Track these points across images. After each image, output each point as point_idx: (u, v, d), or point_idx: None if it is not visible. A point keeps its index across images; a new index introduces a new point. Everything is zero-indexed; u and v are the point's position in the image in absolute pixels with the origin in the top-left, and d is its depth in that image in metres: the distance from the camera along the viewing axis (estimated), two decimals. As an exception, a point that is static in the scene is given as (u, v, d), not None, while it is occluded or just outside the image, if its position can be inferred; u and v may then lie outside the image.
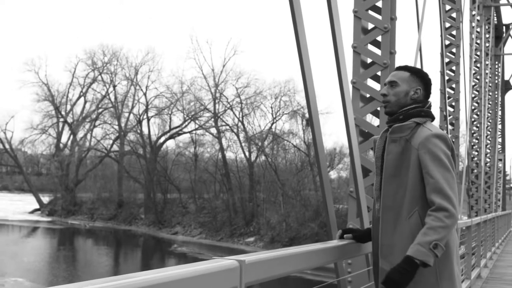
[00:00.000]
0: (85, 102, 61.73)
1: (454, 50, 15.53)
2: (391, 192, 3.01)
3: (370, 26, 6.17)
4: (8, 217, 57.01)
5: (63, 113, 62.06)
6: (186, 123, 54.32)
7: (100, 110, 60.47)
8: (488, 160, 24.34)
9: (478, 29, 22.13)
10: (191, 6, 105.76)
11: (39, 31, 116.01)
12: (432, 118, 3.08)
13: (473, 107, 21.11)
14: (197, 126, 53.64)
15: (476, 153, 21.40)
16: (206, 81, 51.93)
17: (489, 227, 13.69)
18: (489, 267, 12.43)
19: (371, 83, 6.11)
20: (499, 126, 30.04)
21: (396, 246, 2.90)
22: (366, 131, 6.04)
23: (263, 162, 47.45)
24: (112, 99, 59.16)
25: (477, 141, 21.25)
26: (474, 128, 21.14)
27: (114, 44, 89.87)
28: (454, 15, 15.59)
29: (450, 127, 14.17)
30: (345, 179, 44.68)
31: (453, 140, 15.16)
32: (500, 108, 30.06)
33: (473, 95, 21.01)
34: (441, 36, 13.04)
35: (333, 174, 46.46)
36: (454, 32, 15.59)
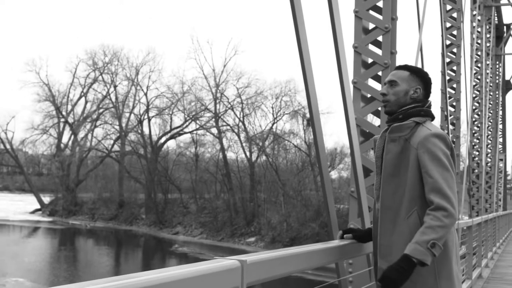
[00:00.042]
0: (86, 102, 61.85)
1: (455, 50, 15.52)
2: (390, 191, 3.00)
3: (371, 26, 6.17)
4: (9, 217, 57.03)
5: (64, 113, 62.11)
6: (187, 123, 54.39)
7: (101, 110, 60.53)
8: (489, 160, 24.33)
9: (479, 29, 22.12)
10: (191, 6, 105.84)
11: (40, 32, 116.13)
12: (432, 117, 3.07)
13: (474, 107, 21.11)
14: (198, 126, 53.70)
15: (477, 153, 21.40)
16: (207, 81, 52.00)
17: (490, 227, 13.68)
18: (490, 267, 12.42)
19: (372, 83, 6.11)
20: (500, 126, 30.05)
21: (395, 246, 2.89)
22: (367, 131, 6.04)
23: (264, 162, 47.45)
24: (113, 99, 59.24)
25: (478, 141, 21.25)
26: (475, 128, 21.13)
27: (115, 44, 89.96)
28: (455, 15, 15.59)
29: (451, 127, 14.17)
30: (346, 179, 44.66)
31: (454, 140, 15.16)
32: (501, 108, 30.06)
33: (474, 95, 21.01)
34: (442, 36, 13.04)
35: (334, 174, 46.47)
36: (455, 32, 15.59)
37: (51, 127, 62.43)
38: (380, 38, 6.08)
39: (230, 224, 43.89)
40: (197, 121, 53.52)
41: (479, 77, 21.24)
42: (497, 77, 27.87)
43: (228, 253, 36.63)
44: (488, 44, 23.81)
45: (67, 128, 62.16)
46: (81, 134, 61.72)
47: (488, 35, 24.16)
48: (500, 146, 29.87)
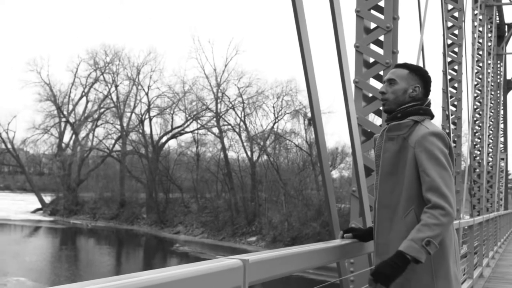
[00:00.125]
0: (87, 102, 61.84)
1: (456, 49, 15.51)
2: (388, 190, 3.00)
3: (373, 25, 6.17)
4: (10, 216, 57.05)
5: (65, 113, 62.13)
6: (188, 122, 54.37)
7: (102, 110, 60.53)
8: (490, 159, 24.33)
9: (480, 29, 22.12)
10: (193, 6, 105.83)
11: (41, 31, 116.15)
12: (431, 116, 3.06)
13: (475, 107, 21.11)
14: (199, 126, 53.67)
15: (479, 152, 21.38)
16: (208, 81, 51.98)
17: (491, 226, 13.68)
18: (491, 266, 12.42)
19: (373, 82, 6.11)
20: (501, 125, 30.04)
21: (392, 245, 2.87)
22: (369, 130, 6.04)
23: (265, 162, 47.45)
24: (114, 99, 59.23)
25: (479, 140, 21.24)
26: (476, 127, 21.12)
27: (116, 44, 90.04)
28: (456, 14, 15.58)
29: (452, 126, 14.16)
30: (347, 178, 44.65)
31: (455, 139, 15.16)
32: (502, 107, 30.05)
33: (475, 95, 21.00)
34: (443, 35, 13.04)
35: (335, 174, 46.46)
36: (456, 32, 15.58)
37: (52, 127, 62.50)
38: (381, 38, 6.08)
39: (231, 223, 43.89)
40: (198, 121, 53.54)
41: (480, 76, 21.23)
42: (498, 77, 27.85)
43: (229, 252, 36.64)
44: (489, 44, 23.79)
45: (68, 127, 62.22)
46: (82, 134, 61.80)
47: (489, 35, 24.14)
48: (502, 146, 29.87)
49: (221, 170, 49.94)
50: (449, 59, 15.11)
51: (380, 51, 6.08)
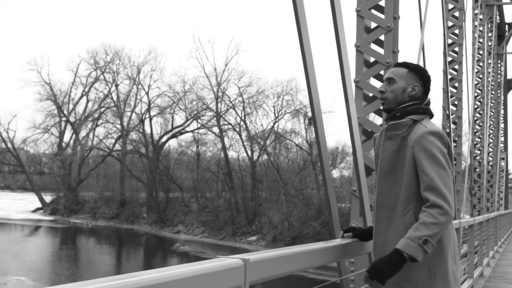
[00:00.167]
0: (88, 101, 61.86)
1: (456, 49, 15.50)
2: (386, 189, 2.99)
3: (373, 25, 6.16)
4: (11, 216, 57.08)
5: (65, 112, 62.14)
6: (189, 122, 54.37)
7: (102, 109, 60.52)
8: (490, 159, 24.32)
9: (481, 28, 22.12)
10: (193, 5, 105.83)
11: (41, 31, 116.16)
12: (431, 115, 3.05)
13: (475, 106, 21.10)
14: (199, 125, 53.66)
15: (479, 152, 21.38)
16: (209, 80, 51.98)
17: (491, 226, 13.68)
18: (492, 266, 12.42)
19: (374, 82, 6.11)
20: (502, 125, 30.05)
21: (390, 244, 2.86)
22: (369, 130, 6.04)
23: (265, 161, 47.46)
24: (115, 98, 59.23)
25: (479, 140, 21.23)
26: (477, 127, 21.12)
27: (116, 44, 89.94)
28: (456, 14, 15.57)
29: (453, 126, 14.16)
30: (347, 178, 44.66)
31: (456, 138, 15.17)
32: (502, 107, 30.05)
33: (475, 94, 20.99)
34: (444, 35, 13.04)
35: (335, 173, 46.46)
36: (456, 31, 15.57)
37: (52, 126, 62.51)
38: (382, 37, 6.07)
39: (231, 223, 43.90)
40: (199, 120, 53.53)
41: (480, 76, 21.22)
42: (498, 76, 27.84)
43: (229, 252, 36.65)
44: (490, 43, 23.78)
45: (69, 127, 62.24)
46: (82, 133, 61.80)
47: (490, 34, 24.12)
48: (502, 145, 29.88)
49: (222, 170, 49.95)
50: (449, 59, 15.10)
51: (380, 50, 6.08)
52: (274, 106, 49.55)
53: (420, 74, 3.10)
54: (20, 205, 65.92)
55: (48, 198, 64.13)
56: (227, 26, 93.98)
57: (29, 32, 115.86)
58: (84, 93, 61.80)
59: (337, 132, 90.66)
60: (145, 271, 1.66)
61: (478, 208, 21.12)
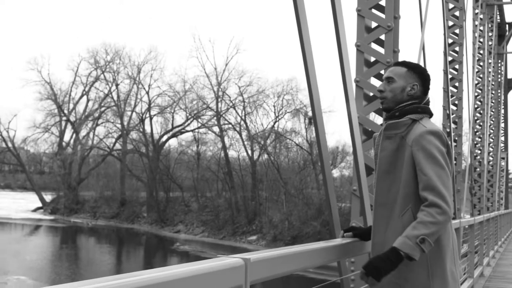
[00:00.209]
0: (88, 100, 61.90)
1: (457, 48, 15.49)
2: (385, 188, 2.99)
3: (374, 24, 6.16)
4: (11, 215, 57.10)
5: (65, 111, 62.16)
6: (189, 121, 54.38)
7: (102, 109, 60.55)
8: (491, 158, 24.31)
9: (481, 28, 22.11)
10: (193, 5, 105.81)
11: (41, 30, 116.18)
12: (430, 114, 3.04)
13: (476, 106, 21.09)
14: (199, 125, 53.67)
15: (479, 151, 21.37)
16: (209, 80, 51.99)
17: (491, 226, 13.68)
18: (492, 266, 12.42)
19: (374, 81, 6.11)
20: (502, 125, 30.04)
21: (388, 244, 2.85)
22: (370, 129, 6.04)
23: (266, 161, 47.46)
24: (115, 97, 59.25)
25: (480, 139, 21.22)
26: (477, 126, 21.11)
27: (116, 43, 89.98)
28: (457, 13, 15.56)
29: (453, 125, 14.15)
30: (348, 177, 44.67)
31: (456, 138, 15.15)
32: (503, 107, 30.04)
33: (476, 94, 20.98)
34: (444, 34, 13.03)
35: (335, 173, 46.46)
36: (457, 31, 15.56)
37: (53, 126, 62.55)
38: (382, 37, 6.07)
39: (231, 222, 43.90)
40: (199, 120, 53.54)
41: (481, 75, 21.21)
42: (499, 76, 27.84)
43: (229, 251, 36.65)
44: (490, 43, 23.77)
45: (69, 126, 62.27)
46: (82, 133, 61.83)
47: (490, 34, 24.11)
48: (502, 145, 29.87)
49: (222, 169, 49.96)
50: (450, 58, 15.09)
51: (381, 50, 6.07)
52: (274, 106, 49.62)
53: (419, 73, 3.09)
54: (20, 204, 65.94)
55: (48, 197, 64.16)
56: (227, 25, 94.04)
57: (29, 32, 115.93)
58: (84, 92, 61.85)
59: (337, 132, 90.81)
60: (146, 271, 1.66)
61: (478, 207, 21.12)
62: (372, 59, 6.15)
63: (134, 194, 55.53)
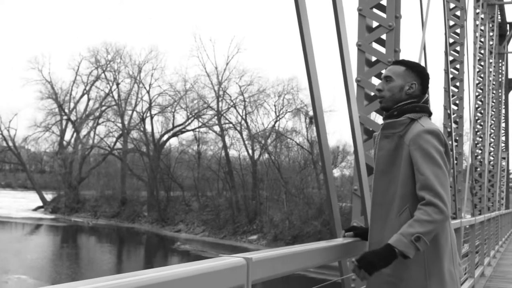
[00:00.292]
0: (89, 100, 61.92)
1: (458, 48, 15.48)
2: (382, 188, 2.98)
3: (375, 24, 6.15)
4: (12, 214, 57.13)
5: (66, 111, 62.19)
6: (189, 121, 54.40)
7: (103, 108, 60.58)
8: (491, 158, 24.30)
9: (482, 27, 22.09)
10: (194, 4, 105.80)
11: (42, 30, 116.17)
12: (429, 113, 3.02)
13: (477, 105, 21.07)
14: (200, 124, 53.70)
15: (480, 151, 21.36)
16: (210, 79, 52.01)
17: (492, 226, 13.68)
18: (493, 266, 12.42)
19: (375, 81, 6.10)
20: (503, 125, 30.01)
21: (385, 243, 2.82)
22: (371, 129, 6.04)
23: (266, 160, 47.47)
24: (116, 97, 59.29)
25: (480, 139, 21.21)
26: (478, 126, 21.10)
27: (117, 42, 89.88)
28: (458, 13, 15.55)
29: (454, 125, 14.15)
30: (348, 177, 44.69)
31: (457, 138, 15.15)
32: (503, 107, 30.01)
33: (477, 93, 20.96)
34: (445, 34, 13.02)
35: (336, 172, 46.45)
36: (458, 30, 15.55)
37: (53, 125, 62.56)
38: (383, 36, 6.06)
39: (232, 222, 43.91)
40: (200, 119, 53.58)
41: (482, 75, 21.19)
42: (500, 76, 27.82)
43: (230, 250, 36.65)
44: (491, 43, 23.75)
45: (70, 125, 62.31)
46: (83, 132, 61.88)
47: (491, 33, 24.09)
48: (503, 145, 29.84)
49: (222, 169, 49.97)
50: (451, 58, 15.08)
51: (382, 49, 6.07)
52: (275, 105, 49.63)
53: (417, 72, 3.08)
54: (21, 203, 65.96)
55: (49, 196, 64.18)
56: (228, 25, 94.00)
57: (30, 31, 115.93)
58: (85, 91, 61.90)
59: (338, 131, 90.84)
60: (147, 270, 1.66)
61: (479, 207, 21.12)
62: (373, 58, 6.15)
63: (135, 193, 55.55)
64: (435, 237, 2.81)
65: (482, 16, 22.03)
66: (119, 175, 57.57)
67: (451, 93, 13.83)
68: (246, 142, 48.92)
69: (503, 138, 30.03)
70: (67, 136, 63.08)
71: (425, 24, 8.23)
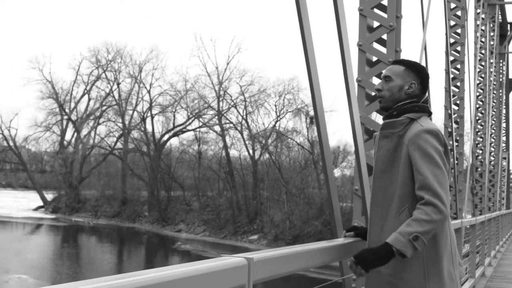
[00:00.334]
0: (89, 99, 61.95)
1: (459, 48, 15.47)
2: (381, 188, 2.97)
3: (376, 24, 6.15)
4: (12, 214, 57.16)
5: (67, 110, 62.20)
6: (190, 120, 54.42)
7: (104, 108, 60.60)
8: (492, 158, 24.28)
9: (483, 27, 22.07)
10: (195, 4, 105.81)
11: (42, 29, 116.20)
12: (429, 113, 3.01)
13: (477, 106, 21.05)
14: (201, 124, 53.71)
15: (481, 151, 21.34)
16: (210, 79, 52.01)
17: (493, 226, 13.68)
18: (493, 266, 12.42)
19: (376, 81, 6.10)
20: (504, 125, 29.98)
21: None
22: (372, 129, 6.03)
23: (267, 160, 47.46)
24: (116, 96, 59.30)
25: (481, 139, 21.20)
26: (479, 126, 21.08)
27: (118, 42, 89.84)
28: (459, 13, 15.54)
29: (454, 125, 14.14)
30: (349, 177, 44.69)
31: (458, 138, 15.14)
32: (504, 107, 29.99)
33: (477, 94, 20.94)
34: (446, 34, 13.01)
35: (336, 172, 46.44)
36: (459, 30, 15.54)
37: (54, 125, 62.57)
38: (384, 36, 6.06)
39: (232, 221, 43.91)
40: (200, 119, 53.59)
41: (482, 75, 21.18)
42: (500, 76, 27.80)
43: (230, 250, 36.65)
44: (492, 43, 23.73)
45: (70, 125, 62.33)
46: (84, 132, 61.91)
47: (492, 33, 24.07)
48: (504, 145, 29.82)
49: (223, 168, 49.96)
50: (451, 58, 15.07)
51: (383, 49, 6.06)
52: (275, 105, 49.61)
53: (417, 71, 3.07)
54: (22, 203, 66.00)
55: (49, 196, 64.20)
56: (229, 24, 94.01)
57: (30, 30, 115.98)
58: (85, 91, 61.92)
59: (338, 131, 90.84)
60: (148, 270, 1.66)
61: (479, 207, 21.10)
62: (374, 58, 6.14)
63: (135, 193, 55.56)
64: (434, 238, 2.81)
65: (483, 16, 22.00)
66: (119, 175, 57.59)
67: (451, 93, 13.83)
68: (247, 142, 48.95)
69: (504, 138, 30.01)
70: (68, 136, 63.21)
71: (426, 24, 8.22)
